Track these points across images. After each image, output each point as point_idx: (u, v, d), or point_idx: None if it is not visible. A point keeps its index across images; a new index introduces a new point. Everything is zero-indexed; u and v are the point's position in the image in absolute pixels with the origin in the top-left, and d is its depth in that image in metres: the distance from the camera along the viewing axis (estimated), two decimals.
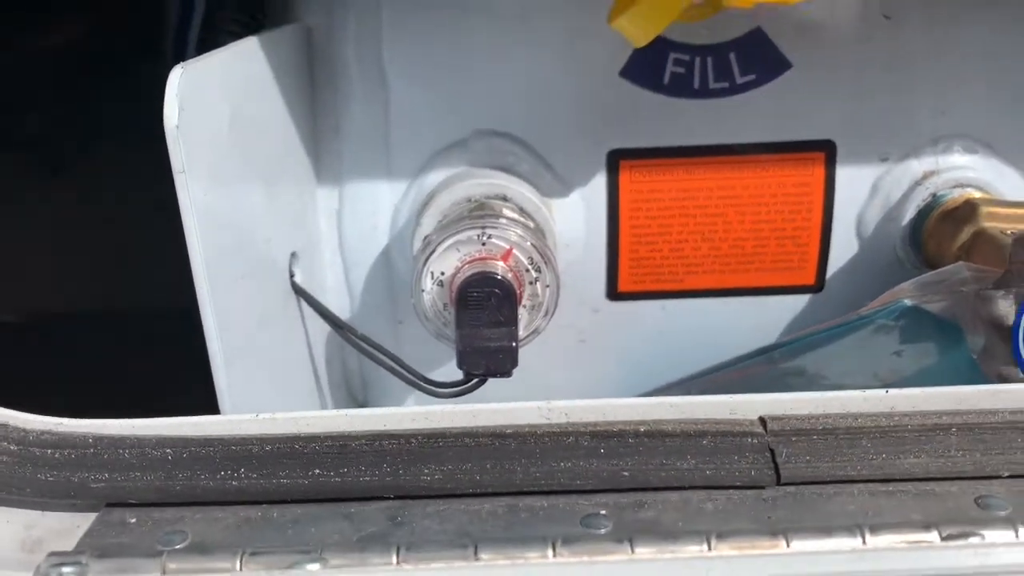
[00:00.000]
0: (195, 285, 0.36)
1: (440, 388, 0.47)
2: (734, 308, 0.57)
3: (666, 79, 0.53)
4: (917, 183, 0.55)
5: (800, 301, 0.58)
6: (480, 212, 0.48)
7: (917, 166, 0.55)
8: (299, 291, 0.49)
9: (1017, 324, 0.42)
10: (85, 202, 0.63)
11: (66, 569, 0.27)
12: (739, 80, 0.54)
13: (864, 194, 0.55)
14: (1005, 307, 0.42)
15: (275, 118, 0.47)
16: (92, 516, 0.32)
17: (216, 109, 0.39)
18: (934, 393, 0.34)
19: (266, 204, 0.45)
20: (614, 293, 0.57)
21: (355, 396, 0.60)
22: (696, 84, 0.54)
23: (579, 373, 0.59)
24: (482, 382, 0.46)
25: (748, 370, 0.52)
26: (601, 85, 0.53)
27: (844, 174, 0.55)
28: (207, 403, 0.39)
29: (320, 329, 0.53)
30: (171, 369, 0.52)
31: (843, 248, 0.56)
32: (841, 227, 0.56)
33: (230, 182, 0.40)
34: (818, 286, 0.57)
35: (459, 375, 0.46)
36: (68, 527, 0.32)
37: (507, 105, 0.53)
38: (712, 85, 0.54)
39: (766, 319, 0.58)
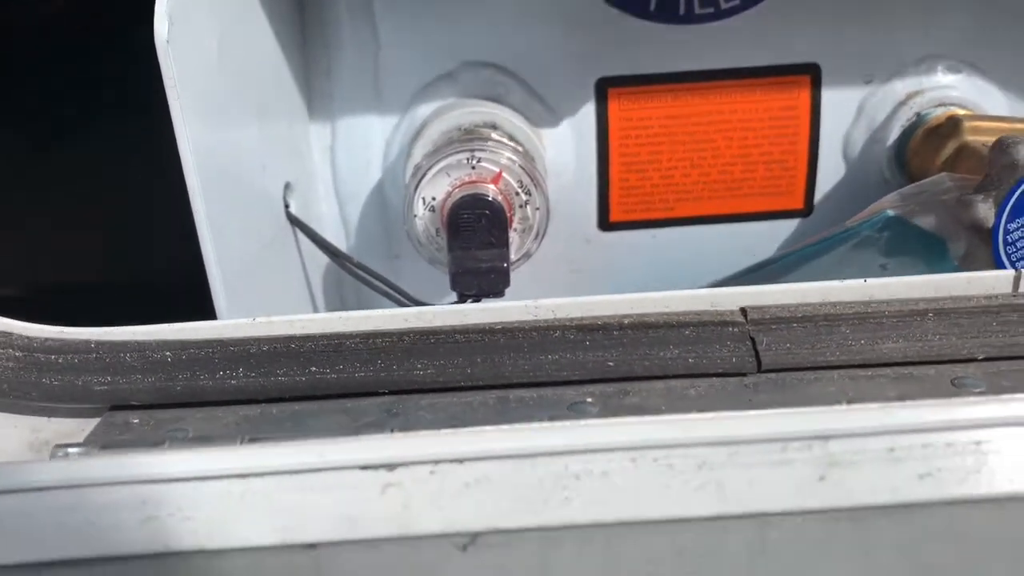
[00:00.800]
0: (192, 208, 0.37)
1: None
2: (724, 235, 0.58)
3: (652, 5, 0.54)
4: (901, 103, 0.55)
5: (789, 225, 0.58)
6: (469, 137, 0.49)
7: (901, 87, 0.55)
8: (295, 221, 0.50)
9: (996, 226, 0.43)
10: (84, 170, 0.64)
11: (72, 449, 0.28)
12: (724, 5, 0.54)
13: (850, 116, 0.56)
14: (985, 210, 0.43)
15: (265, 50, 0.48)
16: (96, 420, 0.34)
17: (205, 28, 0.39)
18: (911, 282, 0.35)
19: (258, 133, 0.46)
20: (605, 223, 0.58)
21: None
22: (682, 10, 0.54)
23: None
24: (475, 302, 0.47)
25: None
26: (588, 13, 0.54)
27: (829, 97, 0.55)
28: None
29: (317, 264, 0.54)
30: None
31: (830, 171, 0.57)
32: (828, 150, 0.57)
33: (222, 105, 0.41)
34: (806, 210, 0.58)
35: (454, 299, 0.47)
36: (73, 430, 0.33)
37: (495, 36, 0.54)
38: (697, 11, 0.54)
39: (756, 244, 0.59)
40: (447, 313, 0.35)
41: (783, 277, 0.52)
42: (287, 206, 0.50)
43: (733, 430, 0.27)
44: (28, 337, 0.33)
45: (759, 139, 0.56)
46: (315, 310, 0.55)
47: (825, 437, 0.27)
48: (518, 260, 0.49)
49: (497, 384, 0.33)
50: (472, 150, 0.47)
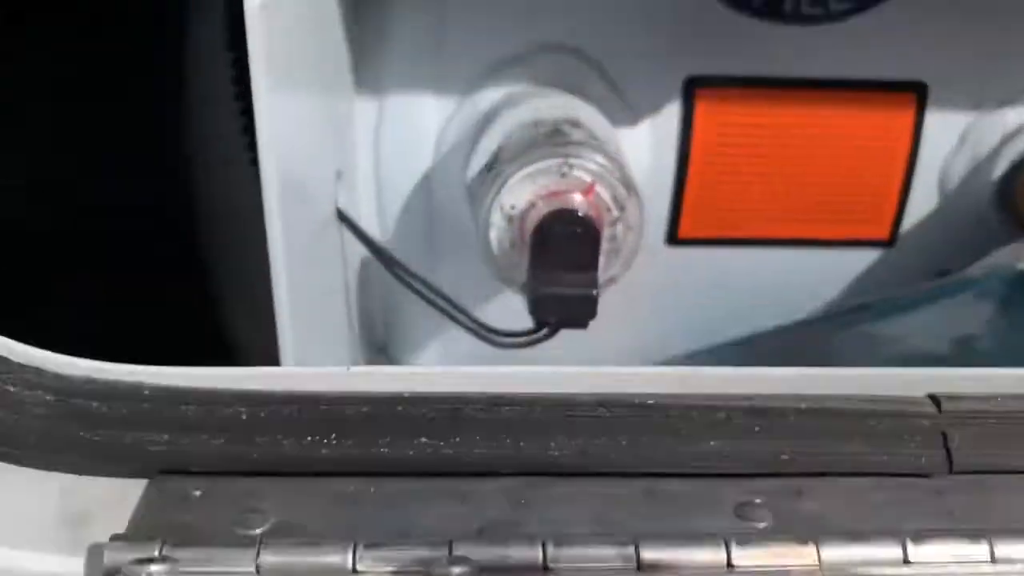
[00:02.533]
0: (263, 192, 0.30)
1: (503, 337, 0.41)
2: (800, 260, 0.53)
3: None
4: (1012, 135, 0.50)
5: (870, 256, 0.53)
6: (559, 139, 0.42)
7: (1013, 117, 0.50)
8: (343, 217, 0.43)
9: None
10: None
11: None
12: (833, 6, 0.48)
13: (952, 144, 0.51)
14: None
15: (319, 18, 0.40)
16: (142, 483, 0.27)
17: None
18: None
19: (316, 110, 0.39)
20: (674, 238, 0.52)
21: (375, 340, 0.54)
22: (788, 7, 0.48)
23: (628, 326, 0.54)
24: (553, 332, 0.41)
25: (828, 331, 0.48)
26: (683, 3, 0.47)
27: (933, 120, 0.50)
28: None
29: (356, 265, 0.47)
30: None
31: (923, 201, 0.52)
32: (923, 178, 0.51)
33: (299, 83, 0.34)
34: (891, 240, 0.53)
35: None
36: (115, 496, 0.26)
37: (576, 17, 0.47)
38: (805, 10, 0.48)
39: (833, 273, 0.53)
40: (581, 376, 0.29)
41: (880, 323, 0.47)
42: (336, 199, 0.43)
43: None
44: (63, 376, 0.26)
45: (852, 158, 0.51)
46: (349, 314, 0.48)
47: None
48: (601, 286, 0.43)
49: (646, 472, 0.27)
50: (566, 155, 0.41)
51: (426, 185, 0.50)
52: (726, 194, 0.51)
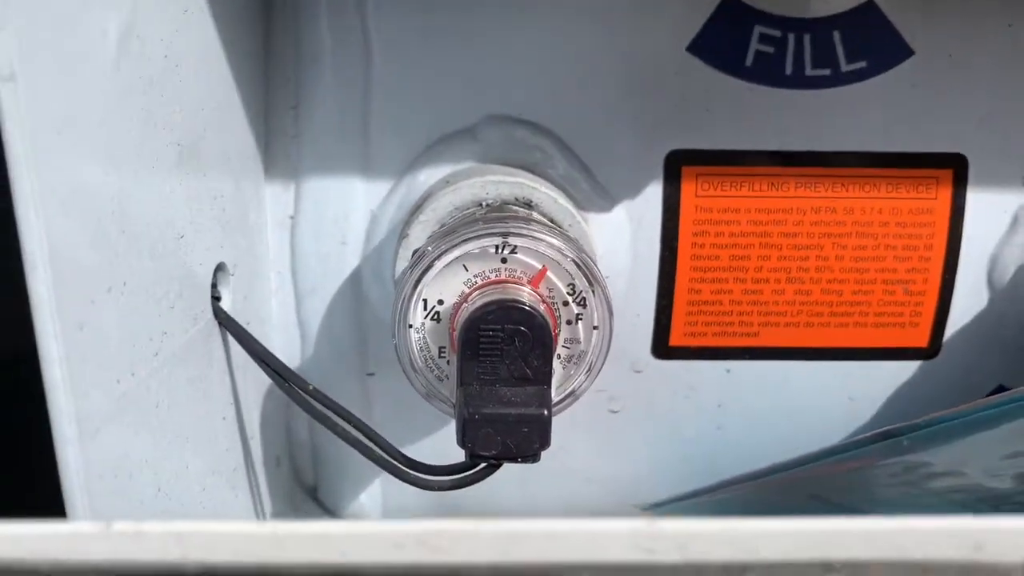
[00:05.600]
0: (27, 274, 0.21)
1: (431, 477, 0.31)
2: (822, 375, 0.43)
3: (749, 60, 0.39)
4: None
5: (907, 369, 0.43)
6: (499, 215, 0.33)
7: None
8: (224, 320, 0.33)
9: None
10: None
11: None
12: (844, 67, 0.40)
13: (1001, 228, 0.42)
14: None
15: (205, 66, 0.32)
16: None
17: (96, 11, 0.24)
18: None
19: (177, 187, 0.30)
20: (663, 348, 0.42)
21: (302, 477, 0.44)
22: (788, 69, 0.40)
23: (607, 456, 0.44)
24: (493, 468, 0.31)
25: (858, 461, 0.37)
26: (661, 63, 0.39)
27: (976, 200, 0.41)
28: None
29: (255, 378, 0.38)
30: None
31: (968, 300, 0.42)
32: (968, 271, 0.42)
33: (117, 129, 0.25)
34: (932, 350, 0.43)
35: (459, 454, 0.31)
36: None
37: (532, 84, 0.39)
38: (809, 72, 0.40)
39: (863, 391, 0.43)
40: (553, 536, 0.18)
41: (922, 453, 0.36)
42: (216, 298, 0.33)
43: None
44: None
45: (880, 250, 0.41)
46: (245, 450, 0.38)
47: None
48: (560, 402, 0.33)
49: None
50: (504, 233, 0.31)
51: (354, 287, 0.41)
52: (727, 294, 0.41)
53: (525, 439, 0.30)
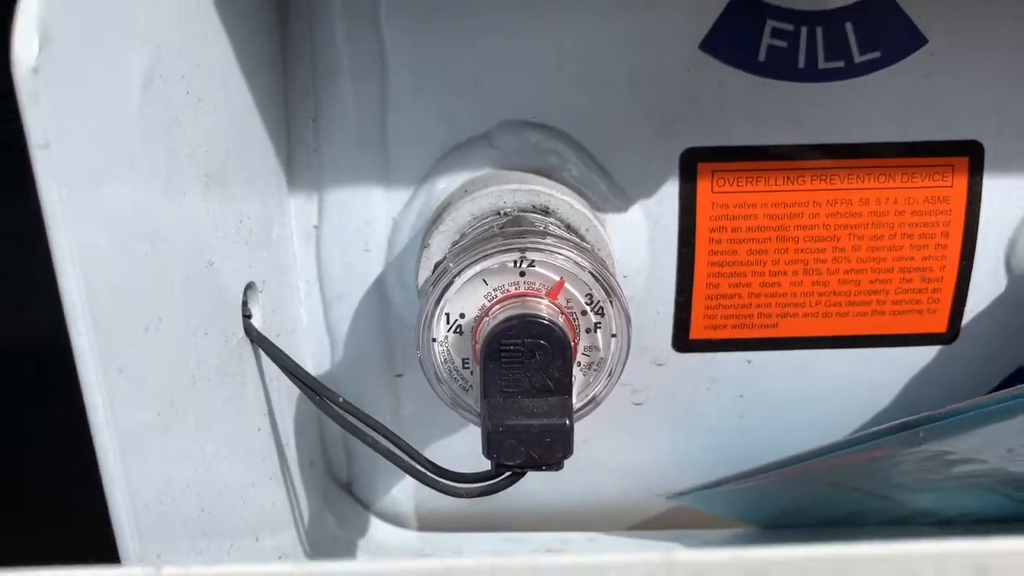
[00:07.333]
0: (69, 327, 0.22)
1: (459, 485, 0.32)
2: (842, 363, 0.43)
3: (762, 55, 0.40)
4: None
5: (926, 355, 0.44)
6: (516, 229, 0.34)
7: None
8: (256, 338, 0.34)
9: None
10: None
11: None
12: (858, 59, 0.40)
13: (1019, 213, 0.42)
14: None
15: (225, 94, 0.33)
16: None
17: (122, 51, 0.25)
18: None
19: (205, 217, 0.31)
20: (684, 341, 0.43)
21: (336, 475, 0.46)
22: (801, 63, 0.40)
23: (631, 447, 0.45)
24: (518, 476, 0.32)
25: (875, 452, 0.38)
26: (674, 61, 0.39)
27: (993, 186, 0.41)
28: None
29: (287, 386, 0.39)
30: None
31: (986, 286, 0.42)
32: (985, 257, 0.42)
33: (144, 172, 0.26)
34: (950, 336, 0.43)
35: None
36: None
37: (546, 88, 0.40)
38: (822, 64, 0.40)
39: (882, 377, 0.44)
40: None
41: (944, 440, 0.37)
42: (247, 316, 0.35)
43: None
44: None
45: (896, 239, 0.42)
46: (281, 454, 0.39)
47: None
48: (581, 408, 0.34)
49: None
50: (522, 248, 0.32)
51: (379, 292, 0.42)
52: (746, 287, 0.42)
53: (548, 449, 0.31)
